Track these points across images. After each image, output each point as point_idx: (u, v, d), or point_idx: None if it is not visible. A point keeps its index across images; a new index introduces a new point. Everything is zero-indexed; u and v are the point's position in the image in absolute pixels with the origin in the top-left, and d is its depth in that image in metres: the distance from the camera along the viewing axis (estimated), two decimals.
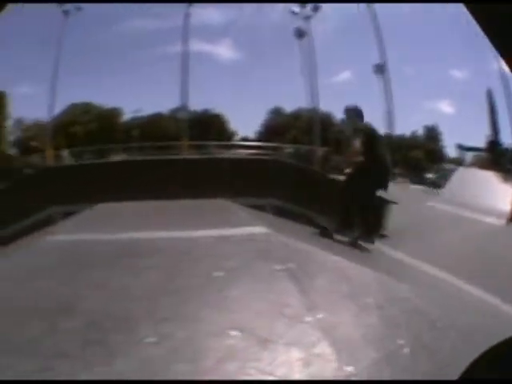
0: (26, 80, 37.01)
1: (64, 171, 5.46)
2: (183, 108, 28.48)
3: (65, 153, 21.91)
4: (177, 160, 5.82)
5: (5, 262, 2.78)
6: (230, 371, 1.66)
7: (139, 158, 14.74)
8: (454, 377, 1.08)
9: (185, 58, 25.24)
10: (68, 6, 24.43)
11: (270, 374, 1.64)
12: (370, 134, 4.81)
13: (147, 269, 2.53)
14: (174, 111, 31.79)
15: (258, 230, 3.25)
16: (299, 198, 5.06)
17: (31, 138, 28.95)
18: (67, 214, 4.51)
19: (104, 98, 36.30)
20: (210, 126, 28.04)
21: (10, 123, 29.80)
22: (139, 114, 33.79)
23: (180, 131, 26.46)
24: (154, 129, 31.94)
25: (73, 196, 4.65)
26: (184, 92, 17.91)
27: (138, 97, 40.83)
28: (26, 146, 28.68)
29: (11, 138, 30.67)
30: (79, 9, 24.59)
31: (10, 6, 1.21)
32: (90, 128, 31.55)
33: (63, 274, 2.46)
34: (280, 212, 4.98)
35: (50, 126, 26.01)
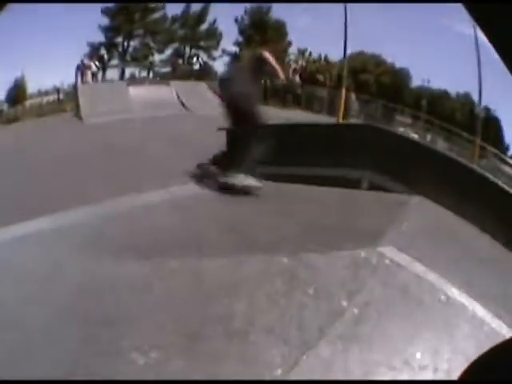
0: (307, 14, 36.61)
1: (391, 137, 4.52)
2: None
3: (352, 96, 21.62)
4: None
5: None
6: None
7: None
8: None
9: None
10: None
11: None
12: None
13: None
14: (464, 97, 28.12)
15: None
16: None
17: (317, 71, 29.32)
18: (379, 188, 3.88)
19: (391, 56, 34.98)
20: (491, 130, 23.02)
21: (291, 52, 30.41)
22: (428, 85, 31.42)
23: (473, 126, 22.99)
24: (439, 107, 29.93)
25: (397, 170, 3.85)
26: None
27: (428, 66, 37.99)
28: (309, 77, 28.85)
29: (294, 66, 31.27)
30: None
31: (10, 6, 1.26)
32: (380, 81, 30.98)
33: None
34: None
35: (341, 66, 23.77)
